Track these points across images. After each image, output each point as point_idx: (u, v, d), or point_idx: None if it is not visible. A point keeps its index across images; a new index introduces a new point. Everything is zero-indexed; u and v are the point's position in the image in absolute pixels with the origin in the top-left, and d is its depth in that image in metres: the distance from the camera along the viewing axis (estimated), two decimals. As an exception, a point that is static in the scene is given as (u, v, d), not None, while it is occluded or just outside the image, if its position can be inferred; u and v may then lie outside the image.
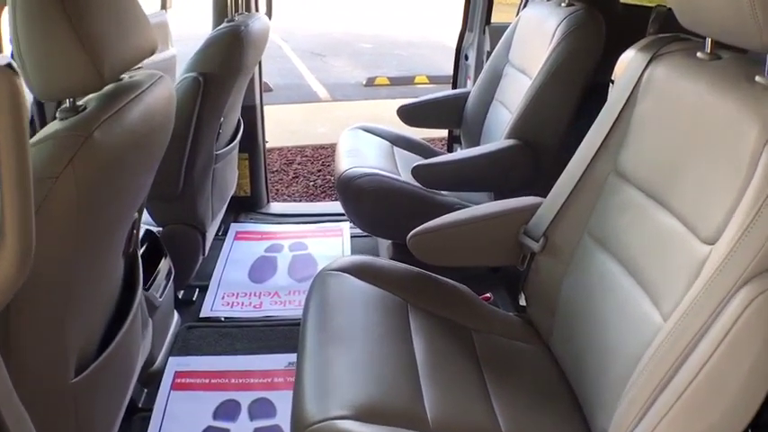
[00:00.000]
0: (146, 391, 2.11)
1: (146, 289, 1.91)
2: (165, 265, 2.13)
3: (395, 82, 7.20)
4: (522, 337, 1.67)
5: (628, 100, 1.47)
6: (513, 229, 1.68)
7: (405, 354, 1.49)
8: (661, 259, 1.27)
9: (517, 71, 2.55)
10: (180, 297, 2.54)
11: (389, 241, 2.52)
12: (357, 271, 1.68)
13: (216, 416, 2.04)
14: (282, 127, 5.24)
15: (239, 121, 2.91)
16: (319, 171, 4.39)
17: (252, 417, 2.05)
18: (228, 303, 2.61)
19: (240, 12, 2.74)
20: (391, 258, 2.53)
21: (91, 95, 1.29)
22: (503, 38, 2.74)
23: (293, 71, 7.73)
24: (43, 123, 1.72)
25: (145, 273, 1.87)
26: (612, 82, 1.74)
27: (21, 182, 0.82)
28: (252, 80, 3.12)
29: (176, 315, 2.38)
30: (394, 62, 8.24)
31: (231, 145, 2.71)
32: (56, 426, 1.30)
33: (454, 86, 3.39)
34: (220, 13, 2.80)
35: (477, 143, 2.67)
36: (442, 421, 1.33)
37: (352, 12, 11.90)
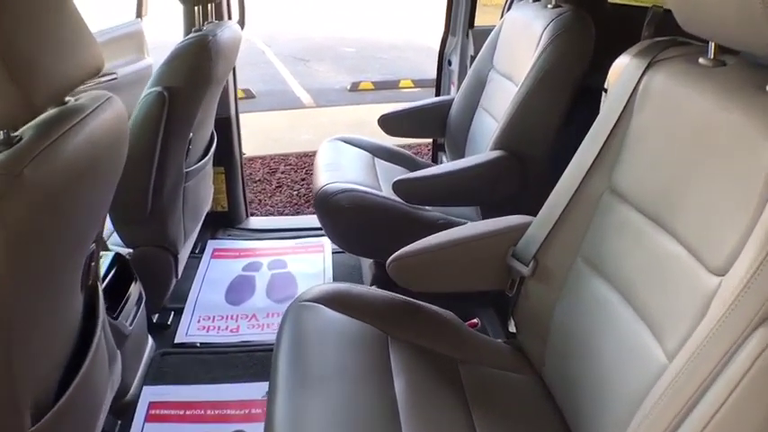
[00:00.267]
0: (119, 422, 2.02)
1: (114, 318, 1.83)
2: (135, 290, 2.04)
3: (379, 86, 7.10)
4: (512, 366, 1.56)
5: (623, 111, 1.34)
6: (500, 251, 1.56)
7: (384, 394, 1.37)
8: (663, 289, 1.15)
9: (502, 77, 2.43)
10: (154, 321, 2.46)
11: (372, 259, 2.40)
12: (332, 302, 1.56)
13: (192, 449, 1.95)
14: (266, 135, 5.16)
15: (213, 134, 2.78)
16: (303, 180, 4.28)
17: (228, 450, 1.95)
18: (204, 327, 2.52)
19: (210, 20, 2.60)
20: (373, 276, 2.44)
21: (29, 124, 1.17)
22: (487, 42, 2.62)
23: (276, 77, 7.63)
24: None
25: (114, 299, 1.80)
26: (605, 90, 1.61)
27: None
28: (226, 90, 3.00)
29: (150, 340, 2.30)
30: (378, 66, 8.13)
31: (203, 160, 2.58)
32: None
33: (438, 93, 3.28)
34: (189, 22, 2.67)
35: (462, 153, 2.55)
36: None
37: (334, 15, 11.80)
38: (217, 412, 2.10)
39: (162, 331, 2.46)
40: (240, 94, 6.38)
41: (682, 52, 1.30)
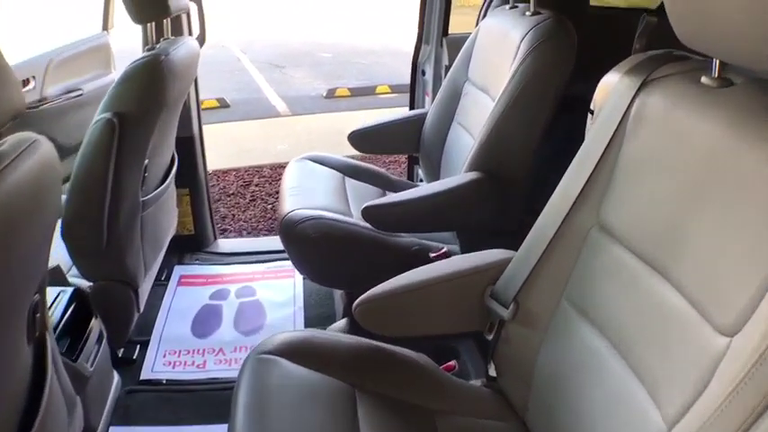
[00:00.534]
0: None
1: (73, 360, 1.72)
2: (95, 327, 1.91)
3: (356, 93, 6.93)
4: (493, 413, 1.41)
5: (613, 137, 1.20)
6: (477, 291, 1.42)
7: None
8: (662, 347, 1.01)
9: (478, 90, 2.27)
10: (120, 355, 2.36)
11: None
12: (293, 354, 1.40)
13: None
14: (239, 145, 5.02)
15: (173, 156, 2.61)
16: (278, 192, 4.10)
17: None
18: (170, 363, 2.40)
19: (166, 37, 2.43)
20: (344, 308, 2.29)
21: None
22: (461, 52, 2.45)
23: (251, 84, 7.46)
24: None
25: (75, 338, 1.73)
26: (592, 112, 1.45)
27: None
28: (188, 108, 2.84)
29: (116, 376, 2.16)
30: (355, 71, 7.98)
31: (162, 186, 2.41)
32: None
33: (412, 104, 3.12)
34: (144, 39, 2.50)
35: (437, 170, 2.40)
36: None
37: (311, 20, 11.64)
38: (182, 457, 1.98)
39: (128, 366, 2.36)
40: (214, 104, 6.33)
41: (680, 69, 1.16)
